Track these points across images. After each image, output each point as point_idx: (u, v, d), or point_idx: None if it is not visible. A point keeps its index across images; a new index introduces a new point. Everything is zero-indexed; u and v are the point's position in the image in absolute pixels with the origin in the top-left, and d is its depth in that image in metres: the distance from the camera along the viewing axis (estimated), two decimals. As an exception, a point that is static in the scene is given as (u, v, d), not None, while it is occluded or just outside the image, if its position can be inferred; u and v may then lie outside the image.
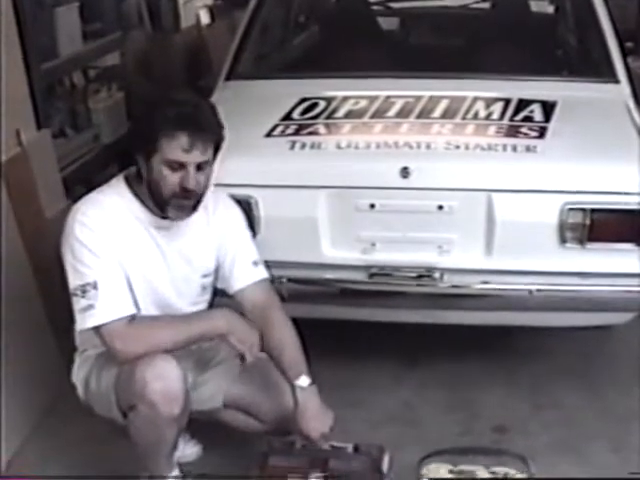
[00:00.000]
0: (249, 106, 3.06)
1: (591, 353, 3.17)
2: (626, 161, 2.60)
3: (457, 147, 2.69)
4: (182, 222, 2.20)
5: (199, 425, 2.40)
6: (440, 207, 2.63)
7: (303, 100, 3.02)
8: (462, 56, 3.60)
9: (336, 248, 2.70)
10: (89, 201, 2.17)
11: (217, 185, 2.37)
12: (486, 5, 4.55)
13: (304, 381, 2.19)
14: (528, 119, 2.85)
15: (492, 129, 2.80)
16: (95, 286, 2.06)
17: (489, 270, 2.67)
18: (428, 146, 2.70)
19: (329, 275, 2.73)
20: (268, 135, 2.80)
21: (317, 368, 2.26)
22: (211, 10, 6.70)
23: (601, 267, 2.62)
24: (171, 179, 2.08)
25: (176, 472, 2.33)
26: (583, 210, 2.56)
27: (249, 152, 2.75)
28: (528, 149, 2.67)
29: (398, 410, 2.87)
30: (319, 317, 2.78)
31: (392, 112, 2.93)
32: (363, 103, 3.01)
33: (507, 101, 2.97)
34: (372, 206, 2.65)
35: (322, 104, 3.00)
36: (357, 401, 2.85)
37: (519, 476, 2.16)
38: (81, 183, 3.74)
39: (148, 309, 2.21)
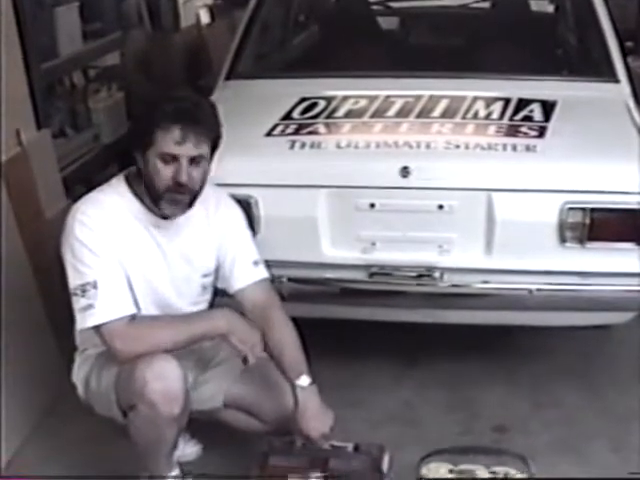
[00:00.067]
0: (249, 105, 3.06)
1: (591, 352, 3.17)
2: (626, 160, 2.60)
3: (457, 147, 2.69)
4: (182, 222, 2.21)
5: (199, 425, 2.40)
6: (440, 206, 2.63)
7: (303, 100, 3.02)
8: (462, 56, 3.60)
9: (336, 247, 2.70)
10: (89, 200, 2.17)
11: (217, 184, 2.37)
12: (486, 5, 4.55)
13: (304, 381, 2.19)
14: (528, 119, 2.85)
15: (492, 129, 2.80)
16: (95, 285, 2.06)
17: (489, 269, 2.67)
18: (428, 146, 2.70)
19: (329, 275, 2.73)
20: (268, 134, 2.80)
21: (317, 368, 2.26)
22: (211, 9, 6.71)
23: (601, 266, 2.62)
24: (165, 172, 2.08)
25: (176, 472, 2.33)
26: (583, 209, 2.56)
27: (249, 151, 2.75)
28: (528, 149, 2.67)
29: (398, 410, 2.87)
30: (319, 317, 2.78)
31: (392, 112, 2.93)
32: (363, 103, 3.01)
33: (507, 101, 2.97)
34: (372, 205, 2.65)
35: (322, 104, 3.00)
36: (357, 401, 2.85)
37: (519, 476, 2.16)
38: (81, 183, 3.74)
39: (148, 309, 2.21)
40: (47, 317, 2.91)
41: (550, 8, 4.40)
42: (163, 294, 2.24)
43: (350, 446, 2.26)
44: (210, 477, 2.46)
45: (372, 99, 3.02)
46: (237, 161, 2.63)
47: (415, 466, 2.16)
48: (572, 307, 2.70)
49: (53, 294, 2.79)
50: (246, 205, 2.55)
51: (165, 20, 5.86)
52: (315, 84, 3.22)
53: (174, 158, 2.08)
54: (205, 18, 6.61)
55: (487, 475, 2.18)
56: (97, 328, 2.09)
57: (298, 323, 2.29)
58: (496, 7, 4.37)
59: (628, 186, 2.55)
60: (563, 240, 2.59)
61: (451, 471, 2.18)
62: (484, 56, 3.49)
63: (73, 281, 2.09)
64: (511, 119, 2.85)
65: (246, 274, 2.30)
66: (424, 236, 2.67)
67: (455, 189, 2.62)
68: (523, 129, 2.78)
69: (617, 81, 3.13)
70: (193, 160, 2.09)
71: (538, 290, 2.64)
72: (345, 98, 3.05)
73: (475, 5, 4.60)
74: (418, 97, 3.01)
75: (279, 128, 2.83)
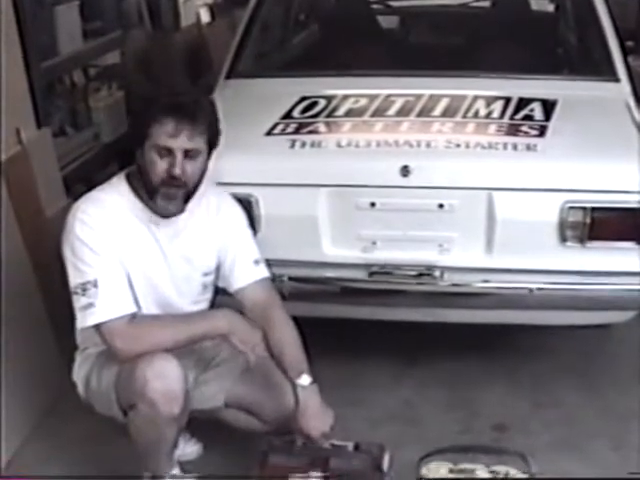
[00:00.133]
0: (249, 104, 3.06)
1: (591, 352, 3.17)
2: (626, 160, 2.60)
3: (457, 146, 2.69)
4: (183, 221, 2.21)
5: (199, 424, 2.40)
6: (440, 205, 2.63)
7: (303, 99, 3.02)
8: (462, 55, 3.60)
9: (337, 246, 2.70)
10: (89, 199, 2.17)
11: (217, 184, 2.37)
12: (486, 3, 4.54)
13: (305, 380, 2.19)
14: (528, 118, 2.85)
15: (492, 128, 2.80)
16: (95, 284, 2.07)
17: (489, 268, 2.67)
18: (428, 145, 2.69)
19: (330, 273, 2.73)
20: (268, 134, 2.80)
21: (318, 367, 2.26)
22: (211, 8, 6.71)
23: (601, 265, 2.62)
24: (159, 166, 2.09)
25: (176, 471, 2.33)
26: (583, 208, 2.56)
27: (249, 151, 2.75)
28: (528, 148, 2.67)
29: (398, 409, 2.87)
30: (320, 316, 2.78)
31: (392, 111, 2.92)
32: (363, 102, 3.01)
33: (507, 100, 2.97)
34: (372, 205, 2.65)
35: (322, 103, 3.00)
36: (357, 400, 2.85)
37: (519, 475, 2.16)
38: (81, 182, 3.74)
39: (149, 308, 2.21)
40: (47, 316, 2.91)
41: (550, 7, 4.40)
42: (163, 293, 2.24)
43: (350, 445, 2.26)
44: (210, 476, 2.46)
45: (372, 98, 3.02)
46: (237, 160, 2.64)
47: (415, 465, 2.16)
48: (572, 306, 2.70)
49: (53, 293, 2.79)
50: (247, 204, 2.55)
51: (165, 19, 5.87)
52: (315, 83, 3.22)
53: (169, 151, 2.08)
54: (205, 17, 6.62)
55: (487, 474, 2.17)
56: (97, 327, 2.09)
57: (299, 322, 2.29)
58: (496, 6, 4.37)
59: (628, 185, 2.55)
60: (563, 239, 2.59)
61: (451, 470, 2.18)
62: (484, 55, 3.49)
63: (73, 280, 2.09)
64: (511, 118, 2.85)
65: (247, 273, 2.30)
66: (424, 235, 2.67)
67: (455, 188, 2.62)
68: (523, 128, 2.78)
69: (617, 80, 3.13)
70: (188, 154, 2.09)
71: (538, 289, 2.64)
72: (345, 97, 3.05)
73: (475, 4, 4.59)
74: (418, 96, 3.01)
75: (279, 127, 2.83)
